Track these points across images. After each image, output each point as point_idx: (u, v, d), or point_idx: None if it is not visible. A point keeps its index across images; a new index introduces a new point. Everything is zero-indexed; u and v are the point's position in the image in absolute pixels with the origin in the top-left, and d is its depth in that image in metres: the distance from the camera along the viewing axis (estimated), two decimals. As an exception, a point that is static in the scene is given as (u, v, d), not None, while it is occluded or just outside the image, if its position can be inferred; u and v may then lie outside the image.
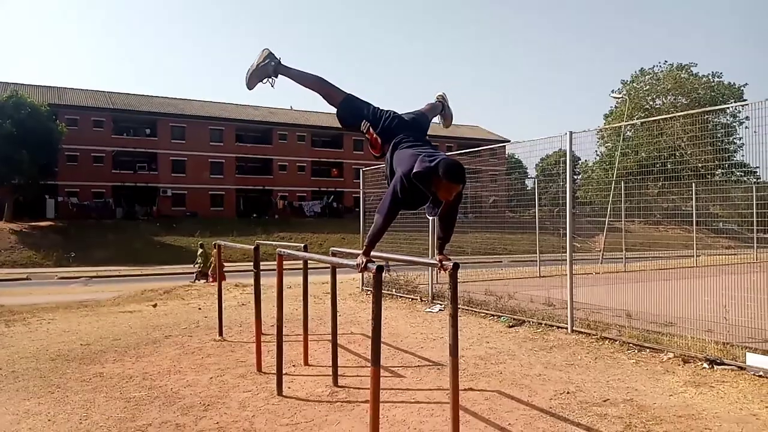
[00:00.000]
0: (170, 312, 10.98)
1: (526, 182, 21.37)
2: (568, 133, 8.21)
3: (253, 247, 6.35)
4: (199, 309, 11.28)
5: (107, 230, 39.86)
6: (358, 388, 5.63)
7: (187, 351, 7.38)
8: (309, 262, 7.01)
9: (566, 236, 8.29)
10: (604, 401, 5.19)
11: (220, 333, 8.33)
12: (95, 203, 45.60)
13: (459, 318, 9.30)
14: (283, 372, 5.67)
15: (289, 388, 5.68)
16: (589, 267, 15.15)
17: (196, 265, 21.66)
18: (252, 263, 6.42)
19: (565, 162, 8.40)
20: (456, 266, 3.86)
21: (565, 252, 8.28)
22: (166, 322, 9.61)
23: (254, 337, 6.74)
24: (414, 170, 3.42)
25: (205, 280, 20.16)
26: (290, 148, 52.67)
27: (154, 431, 4.61)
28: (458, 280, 3.95)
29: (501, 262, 17.15)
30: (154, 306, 11.90)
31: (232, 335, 8.43)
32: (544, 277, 14.39)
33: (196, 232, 38.91)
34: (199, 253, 21.71)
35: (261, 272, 6.43)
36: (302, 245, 6.74)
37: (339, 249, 6.05)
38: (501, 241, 17.40)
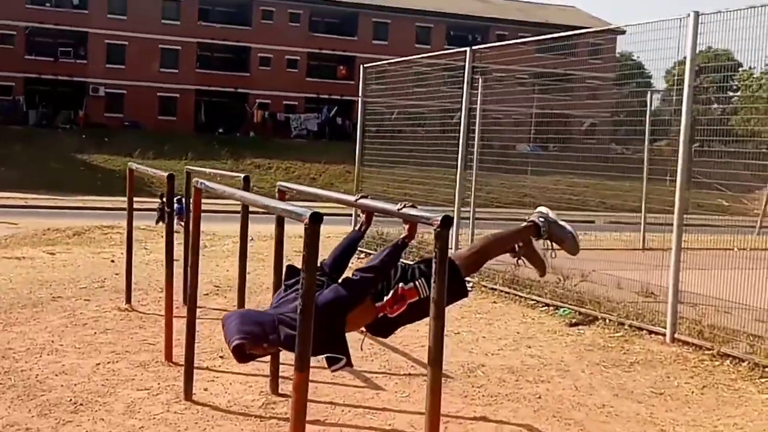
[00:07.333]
0: (71, 262, 11.23)
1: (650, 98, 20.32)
2: (691, 14, 7.30)
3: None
4: (112, 261, 11.40)
5: (14, 140, 40.30)
6: (309, 401, 5.35)
7: (77, 322, 7.50)
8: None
9: (679, 184, 7.79)
10: (709, 459, 4.93)
11: (128, 299, 8.35)
12: (-1, 102, 45.86)
13: (494, 305, 9.10)
14: (197, 365, 5.58)
15: (205, 390, 5.58)
16: (731, 238, 14.32)
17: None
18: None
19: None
20: (447, 221, 3.40)
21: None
22: (61, 277, 9.82)
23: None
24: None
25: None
26: (277, 32, 51.75)
27: (-14, 439, 4.59)
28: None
29: (593, 222, 16.54)
30: (52, 254, 12.00)
31: (147, 304, 8.48)
32: (649, 250, 13.78)
33: (135, 150, 38.89)
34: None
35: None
36: (242, 176, 6.43)
37: (289, 185, 5.74)
38: (597, 191, 16.58)
